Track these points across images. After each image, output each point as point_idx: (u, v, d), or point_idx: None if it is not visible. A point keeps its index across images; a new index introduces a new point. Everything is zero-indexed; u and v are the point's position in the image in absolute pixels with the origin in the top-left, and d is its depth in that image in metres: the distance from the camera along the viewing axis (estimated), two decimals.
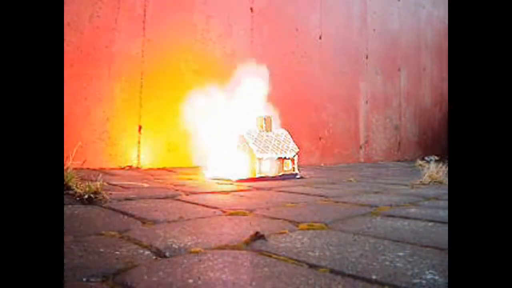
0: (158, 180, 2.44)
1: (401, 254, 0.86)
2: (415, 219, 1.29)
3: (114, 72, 3.08)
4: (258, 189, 2.12)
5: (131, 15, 3.17)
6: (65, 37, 2.82)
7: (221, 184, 2.35)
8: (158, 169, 3.18)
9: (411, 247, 0.92)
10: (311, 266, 0.78)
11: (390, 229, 1.13)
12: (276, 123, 2.89)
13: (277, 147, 2.79)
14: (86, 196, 1.48)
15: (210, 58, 3.61)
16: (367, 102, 5.29)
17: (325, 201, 1.70)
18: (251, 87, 2.84)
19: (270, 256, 0.83)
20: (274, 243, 0.94)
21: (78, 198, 1.50)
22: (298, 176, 2.75)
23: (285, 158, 2.77)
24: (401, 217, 1.32)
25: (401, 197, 1.83)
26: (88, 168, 2.69)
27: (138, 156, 3.21)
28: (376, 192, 2.03)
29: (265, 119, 2.80)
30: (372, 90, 5.35)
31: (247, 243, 0.94)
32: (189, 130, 2.88)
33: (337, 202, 1.67)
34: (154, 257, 0.82)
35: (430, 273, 0.73)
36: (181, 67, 3.44)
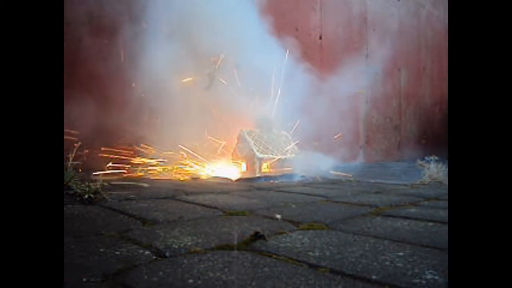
0: (158, 180, 2.44)
1: (401, 254, 0.86)
2: (415, 219, 1.29)
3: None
4: (258, 189, 2.11)
5: None
6: (65, 37, 2.81)
7: (221, 184, 2.35)
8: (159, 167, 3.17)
9: (411, 247, 0.92)
10: (311, 266, 0.78)
11: (390, 229, 1.13)
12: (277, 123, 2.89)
13: (277, 147, 2.79)
14: (86, 196, 1.48)
15: None
16: (367, 102, 5.29)
17: (325, 201, 1.70)
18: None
19: (270, 256, 0.83)
20: (274, 243, 0.94)
21: (78, 198, 1.50)
22: (298, 176, 2.75)
23: (285, 158, 2.77)
24: (401, 217, 1.32)
25: (401, 197, 1.83)
26: (89, 168, 2.69)
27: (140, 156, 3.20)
28: (376, 192, 2.03)
29: (266, 120, 2.80)
30: (372, 90, 5.35)
31: (247, 243, 0.94)
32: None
33: (337, 202, 1.67)
34: (154, 257, 0.82)
35: (430, 273, 0.73)
36: None
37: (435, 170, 2.51)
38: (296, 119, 3.12)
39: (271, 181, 2.53)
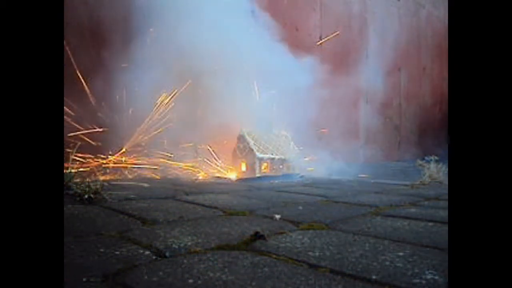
0: (158, 180, 2.44)
1: (401, 254, 0.86)
2: (415, 219, 1.29)
3: None
4: (258, 189, 2.11)
5: None
6: (64, 37, 2.81)
7: (221, 184, 2.35)
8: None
9: (411, 247, 0.92)
10: (311, 266, 0.78)
11: (390, 229, 1.13)
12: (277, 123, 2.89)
13: (277, 147, 2.79)
14: (86, 196, 1.48)
15: None
16: (367, 102, 5.29)
17: (325, 201, 1.70)
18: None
19: (270, 256, 0.83)
20: (274, 243, 0.94)
21: (78, 198, 1.50)
22: (298, 176, 2.75)
23: (285, 158, 2.77)
24: (401, 217, 1.32)
25: (401, 197, 1.83)
26: (88, 168, 2.69)
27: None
28: (376, 192, 2.03)
29: (266, 119, 2.80)
30: (372, 90, 5.34)
31: (247, 243, 0.94)
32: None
33: (337, 202, 1.67)
34: (154, 257, 0.82)
35: (430, 273, 0.73)
36: None
37: (435, 170, 2.51)
38: (295, 118, 3.12)
39: (271, 181, 2.53)
